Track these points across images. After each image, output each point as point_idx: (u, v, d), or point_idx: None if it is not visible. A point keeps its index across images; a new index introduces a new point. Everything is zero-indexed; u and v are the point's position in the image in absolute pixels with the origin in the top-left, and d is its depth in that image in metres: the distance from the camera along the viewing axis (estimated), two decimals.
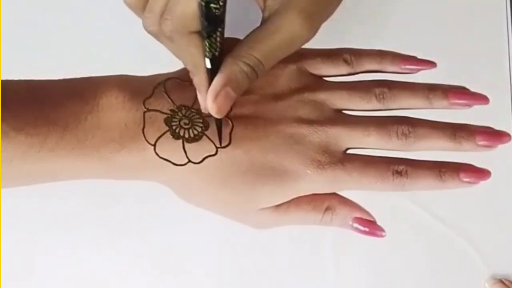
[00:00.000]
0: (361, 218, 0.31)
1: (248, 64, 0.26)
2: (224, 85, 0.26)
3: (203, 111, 0.28)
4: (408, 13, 0.43)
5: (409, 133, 0.29)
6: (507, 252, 0.40)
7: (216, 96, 0.26)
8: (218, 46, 0.25)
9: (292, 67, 0.31)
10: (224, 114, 0.27)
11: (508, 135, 0.29)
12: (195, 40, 0.25)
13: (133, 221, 0.38)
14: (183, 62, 0.27)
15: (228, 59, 0.26)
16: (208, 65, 0.26)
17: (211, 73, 0.26)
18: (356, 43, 0.32)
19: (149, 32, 0.27)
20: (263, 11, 0.27)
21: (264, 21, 0.27)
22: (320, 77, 0.32)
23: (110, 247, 0.38)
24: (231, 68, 0.26)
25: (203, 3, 0.23)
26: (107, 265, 0.38)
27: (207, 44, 0.25)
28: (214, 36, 0.25)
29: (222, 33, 0.25)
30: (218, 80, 0.26)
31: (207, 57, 0.26)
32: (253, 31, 0.27)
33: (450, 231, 0.40)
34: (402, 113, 0.30)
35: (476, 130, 0.29)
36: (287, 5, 0.26)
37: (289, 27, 0.26)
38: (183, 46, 0.26)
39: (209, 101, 0.26)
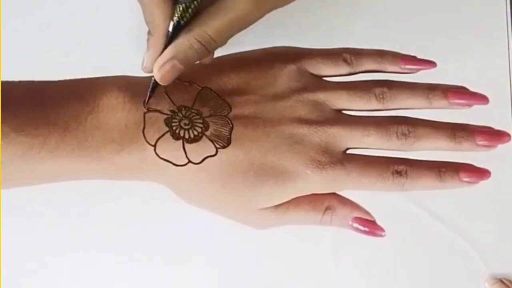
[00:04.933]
0: (361, 218, 0.31)
1: (199, 41, 0.27)
2: (172, 57, 0.27)
3: (142, 69, 0.29)
4: (408, 13, 0.43)
5: (409, 133, 0.29)
6: (507, 252, 0.40)
7: (162, 65, 0.27)
8: (188, 17, 0.27)
9: (291, 67, 0.31)
10: (168, 82, 0.28)
11: (508, 135, 0.29)
12: (160, 1, 0.27)
13: (133, 222, 0.38)
14: (144, 19, 0.28)
15: (182, 32, 0.27)
16: (170, 29, 0.27)
17: (170, 39, 0.27)
18: (356, 43, 0.32)
19: None
20: None
21: None
22: (320, 77, 0.32)
23: (110, 247, 0.38)
24: (182, 42, 0.27)
25: None
26: (107, 265, 0.38)
27: (179, 9, 0.26)
28: (190, 5, 0.26)
29: (197, 6, 0.27)
30: (167, 50, 0.27)
31: (173, 21, 0.27)
32: (209, 6, 0.28)
33: (450, 231, 0.40)
34: (402, 113, 0.30)
35: (476, 130, 0.29)
36: None
37: (241, 6, 0.27)
38: (147, 3, 0.27)
39: (155, 68, 0.27)
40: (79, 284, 0.38)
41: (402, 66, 0.32)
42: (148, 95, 0.28)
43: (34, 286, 0.38)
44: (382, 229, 0.31)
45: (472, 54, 0.42)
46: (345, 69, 0.32)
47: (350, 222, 0.31)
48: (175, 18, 0.27)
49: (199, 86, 0.30)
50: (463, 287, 0.40)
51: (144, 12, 0.28)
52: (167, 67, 0.27)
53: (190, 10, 0.27)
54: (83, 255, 0.38)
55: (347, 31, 0.42)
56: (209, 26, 0.27)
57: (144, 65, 0.28)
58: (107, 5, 0.41)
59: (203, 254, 0.39)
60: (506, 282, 0.39)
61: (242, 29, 0.28)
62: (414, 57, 0.32)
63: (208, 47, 0.27)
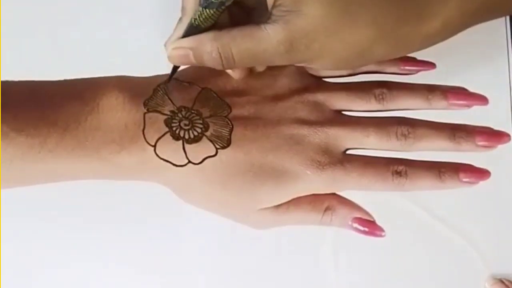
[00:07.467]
0: (360, 218, 0.31)
1: (219, 53, 0.26)
2: (190, 48, 0.27)
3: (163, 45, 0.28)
4: None
5: (408, 133, 0.29)
6: (507, 252, 0.40)
7: (177, 47, 0.27)
8: (198, 23, 0.26)
9: (291, 68, 0.31)
10: (175, 63, 0.28)
11: (508, 135, 0.29)
12: None
13: (133, 222, 0.38)
14: (181, 3, 0.28)
15: (212, 33, 0.27)
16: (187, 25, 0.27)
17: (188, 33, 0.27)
18: None
19: None
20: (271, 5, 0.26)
21: (267, 17, 0.26)
22: (320, 78, 0.32)
23: (109, 247, 0.38)
24: (206, 42, 0.27)
25: None
26: (106, 265, 0.38)
27: (198, 11, 0.26)
28: (204, 11, 0.26)
29: (211, 17, 0.26)
30: (189, 39, 0.27)
31: (191, 22, 0.27)
32: (249, 24, 0.26)
33: (450, 231, 0.40)
34: (402, 113, 0.30)
35: (476, 130, 0.29)
36: (288, 24, 0.25)
37: (273, 44, 0.26)
38: None
39: (170, 45, 0.27)
40: (77, 285, 0.38)
41: (402, 67, 0.32)
42: (170, 74, 0.29)
43: (34, 286, 0.39)
44: (381, 229, 0.31)
45: (472, 54, 0.42)
46: None
47: (350, 222, 0.31)
48: (193, 19, 0.26)
49: (199, 86, 0.30)
50: (463, 287, 0.40)
51: None
52: (181, 52, 0.27)
53: (201, 18, 0.26)
54: (81, 256, 0.38)
55: None
56: (236, 44, 0.26)
57: (165, 41, 0.28)
58: (108, 5, 0.41)
59: (203, 254, 0.39)
60: (506, 282, 0.39)
61: (265, 65, 0.28)
62: (413, 58, 0.32)
63: (225, 63, 0.27)
